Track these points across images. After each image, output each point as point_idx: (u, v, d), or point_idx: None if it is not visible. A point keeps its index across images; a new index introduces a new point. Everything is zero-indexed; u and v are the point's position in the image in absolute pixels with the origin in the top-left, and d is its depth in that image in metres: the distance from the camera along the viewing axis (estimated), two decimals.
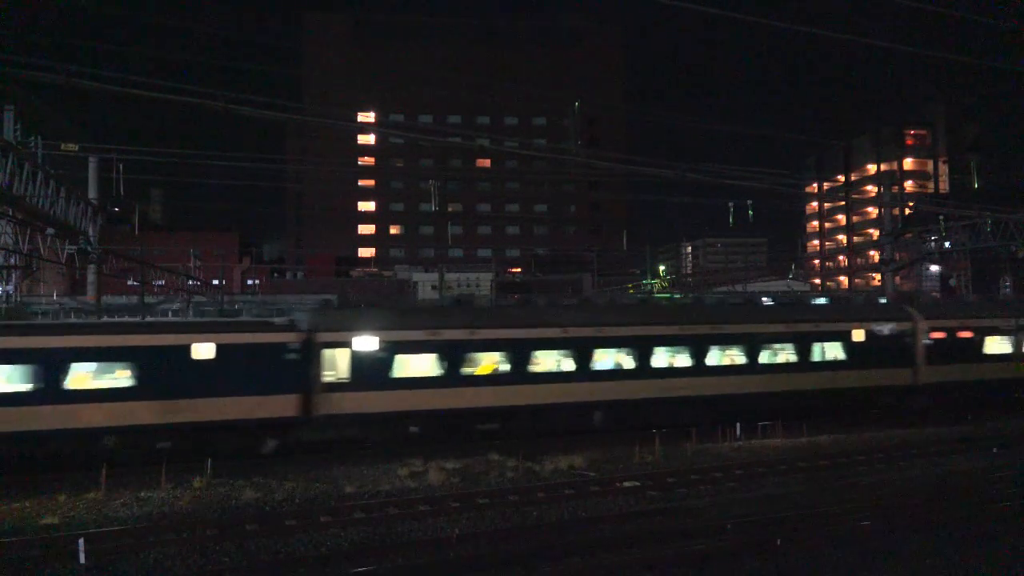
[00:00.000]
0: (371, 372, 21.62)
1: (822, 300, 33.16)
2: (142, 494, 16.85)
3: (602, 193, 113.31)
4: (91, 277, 29.68)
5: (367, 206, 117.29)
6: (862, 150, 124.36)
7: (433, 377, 22.35)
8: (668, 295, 76.31)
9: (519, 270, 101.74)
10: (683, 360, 25.05)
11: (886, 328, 27.78)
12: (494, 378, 23.03)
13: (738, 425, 23.77)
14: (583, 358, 23.90)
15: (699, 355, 25.15)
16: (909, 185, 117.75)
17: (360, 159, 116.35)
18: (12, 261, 27.60)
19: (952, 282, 66.07)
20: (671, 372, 24.84)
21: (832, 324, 27.27)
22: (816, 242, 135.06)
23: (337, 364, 21.44)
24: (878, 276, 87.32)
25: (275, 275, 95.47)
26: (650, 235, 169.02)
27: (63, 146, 29.41)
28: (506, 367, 23.13)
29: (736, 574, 12.11)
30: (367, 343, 21.73)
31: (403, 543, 13.61)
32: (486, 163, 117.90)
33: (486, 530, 14.36)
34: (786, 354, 26.48)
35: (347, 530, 14.35)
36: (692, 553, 12.77)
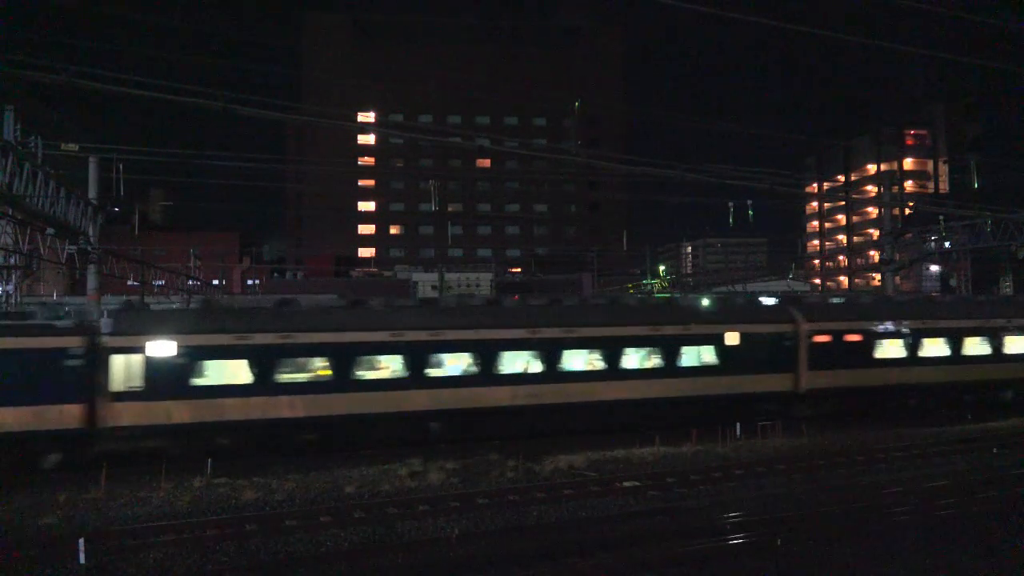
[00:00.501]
0: (168, 380, 19.95)
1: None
2: (142, 494, 16.85)
3: (602, 193, 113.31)
4: (91, 277, 29.67)
5: (367, 206, 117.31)
6: (862, 150, 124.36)
7: (242, 385, 20.62)
8: (668, 295, 76.32)
9: (519, 270, 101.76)
10: (534, 366, 23.15)
11: (764, 331, 26.02)
12: (313, 386, 21.29)
13: (738, 425, 23.76)
14: (417, 364, 22.03)
15: (551, 360, 23.23)
16: (909, 185, 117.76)
17: (360, 159, 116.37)
18: (12, 261, 27.59)
19: (952, 282, 66.06)
20: (519, 379, 22.98)
21: (703, 326, 25.45)
22: (816, 242, 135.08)
23: (128, 371, 19.73)
24: (878, 276, 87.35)
25: (275, 275, 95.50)
26: (650, 235, 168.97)
27: (63, 146, 29.39)
28: (328, 374, 21.30)
29: (736, 574, 12.11)
30: (163, 348, 19.98)
31: (403, 543, 13.61)
32: (486, 163, 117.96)
33: (486, 530, 14.36)
34: (651, 358, 24.69)
35: (347, 530, 14.34)
36: (692, 553, 12.77)
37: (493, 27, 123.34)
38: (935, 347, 28.37)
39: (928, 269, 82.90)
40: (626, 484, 17.51)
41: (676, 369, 24.87)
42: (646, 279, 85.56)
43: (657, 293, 77.05)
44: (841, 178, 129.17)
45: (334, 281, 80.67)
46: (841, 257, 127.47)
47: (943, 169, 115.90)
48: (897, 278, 40.28)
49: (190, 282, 51.80)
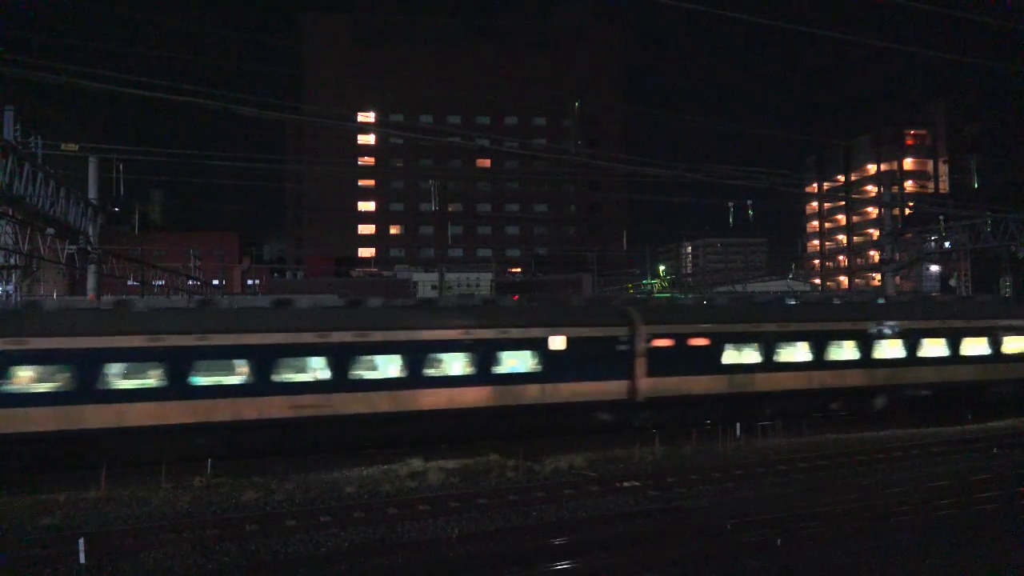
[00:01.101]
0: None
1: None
2: (142, 494, 16.84)
3: (602, 193, 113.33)
4: (91, 277, 29.68)
5: (367, 206, 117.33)
6: (862, 150, 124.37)
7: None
8: (668, 294, 76.37)
9: (519, 270, 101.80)
10: (322, 374, 21.32)
11: (595, 334, 24.06)
12: (52, 397, 19.31)
13: (738, 425, 23.76)
14: (181, 372, 20.03)
15: (341, 368, 21.32)
16: (909, 185, 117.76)
17: (360, 159, 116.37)
18: (12, 261, 27.59)
19: (952, 282, 66.05)
20: (306, 388, 21.08)
21: (524, 330, 23.30)
22: (816, 242, 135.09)
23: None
24: (878, 276, 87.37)
25: (275, 275, 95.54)
26: (650, 235, 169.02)
27: (63, 146, 29.43)
28: (71, 384, 19.32)
29: (736, 574, 12.11)
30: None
31: (403, 543, 13.61)
32: (486, 163, 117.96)
33: (486, 530, 14.36)
34: (459, 365, 22.56)
35: (347, 530, 14.34)
36: (692, 553, 12.77)
37: (493, 27, 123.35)
38: (795, 351, 26.49)
39: (928, 269, 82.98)
40: (626, 484, 17.51)
41: (490, 376, 22.75)
42: (646, 279, 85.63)
43: (657, 293, 77.14)
44: (841, 178, 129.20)
45: (334, 281, 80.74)
46: (841, 257, 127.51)
47: (943, 169, 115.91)
48: (897, 278, 40.30)
49: (190, 282, 51.82)
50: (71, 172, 29.90)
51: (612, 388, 24.13)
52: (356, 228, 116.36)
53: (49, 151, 26.32)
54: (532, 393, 23.21)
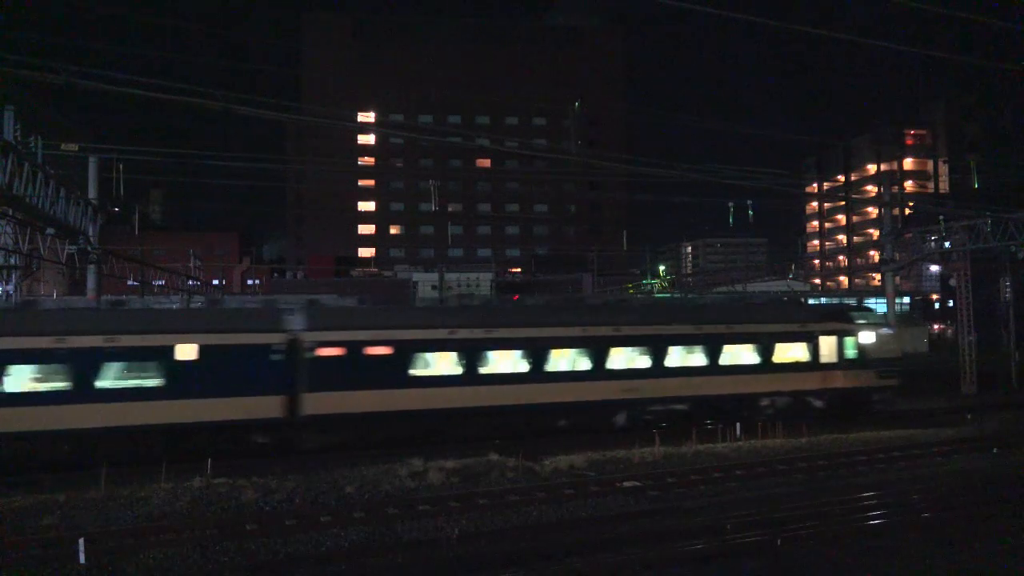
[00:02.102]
0: None
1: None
2: (142, 494, 16.83)
3: (602, 193, 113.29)
4: (91, 277, 29.66)
5: (367, 206, 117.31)
6: (862, 150, 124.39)
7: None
8: (668, 295, 76.32)
9: (519, 270, 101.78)
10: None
11: (239, 342, 20.97)
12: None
13: (738, 425, 23.77)
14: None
15: None
16: (909, 185, 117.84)
17: (360, 159, 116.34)
18: (12, 261, 27.59)
19: (952, 282, 66.05)
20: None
21: (140, 337, 20.48)
22: (816, 242, 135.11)
23: None
24: (878, 276, 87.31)
25: (275, 275, 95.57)
26: (650, 235, 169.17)
27: (63, 146, 29.42)
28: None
29: (736, 574, 12.11)
30: None
31: (403, 543, 13.61)
32: (486, 163, 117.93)
33: (486, 530, 14.36)
34: (54, 380, 19.92)
35: (347, 530, 14.34)
36: (692, 553, 12.77)
37: (493, 27, 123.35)
38: (506, 361, 23.75)
39: (928, 269, 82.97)
40: (626, 484, 17.51)
41: (99, 393, 19.93)
42: (646, 279, 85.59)
43: (657, 293, 77.12)
44: (841, 178, 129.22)
45: (334, 281, 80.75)
46: (841, 257, 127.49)
47: (943, 169, 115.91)
48: (897, 278, 40.29)
49: (190, 282, 51.81)
50: (71, 172, 29.87)
51: (265, 405, 20.89)
52: (356, 228, 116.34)
53: (49, 151, 26.30)
54: (151, 412, 20.02)
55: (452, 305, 26.72)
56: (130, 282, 39.41)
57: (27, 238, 27.85)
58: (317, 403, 21.39)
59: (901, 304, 76.79)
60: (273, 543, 13.59)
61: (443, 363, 23.19)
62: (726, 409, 25.63)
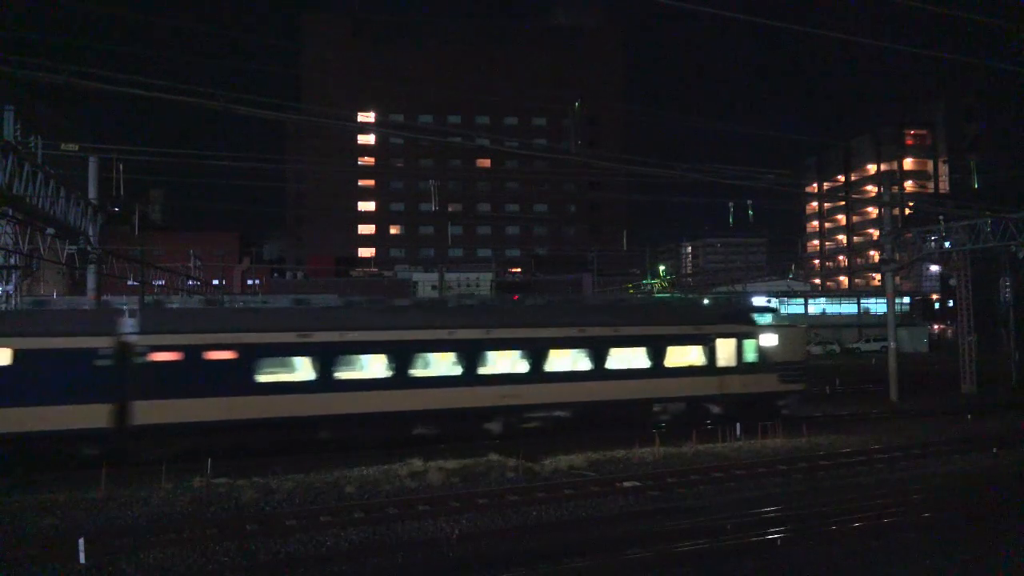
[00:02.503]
0: None
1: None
2: (142, 494, 16.84)
3: (602, 193, 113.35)
4: (91, 277, 29.67)
5: (367, 206, 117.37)
6: (862, 150, 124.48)
7: None
8: (668, 295, 76.36)
9: (519, 270, 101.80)
10: None
11: (59, 346, 19.54)
12: None
13: (738, 425, 23.77)
14: None
15: None
16: (909, 185, 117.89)
17: (360, 159, 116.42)
18: (12, 261, 27.59)
19: (952, 282, 66.11)
20: None
21: None
22: (816, 242, 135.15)
23: None
24: (878, 276, 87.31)
25: (275, 275, 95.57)
26: (650, 235, 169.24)
27: (63, 146, 29.44)
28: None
29: (736, 574, 12.11)
30: None
31: (403, 543, 13.61)
32: (486, 163, 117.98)
33: (486, 530, 14.36)
34: None
35: (347, 530, 14.34)
36: (692, 553, 12.77)
37: (494, 27, 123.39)
38: (365, 367, 22.55)
39: (928, 269, 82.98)
40: (626, 484, 17.51)
41: None
42: (646, 279, 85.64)
43: (657, 293, 77.21)
44: (841, 178, 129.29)
45: (334, 281, 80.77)
46: (841, 257, 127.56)
47: (943, 169, 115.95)
48: (897, 278, 40.30)
49: (190, 282, 51.86)
50: (71, 172, 29.89)
51: (89, 414, 19.37)
52: (356, 228, 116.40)
53: (49, 151, 26.31)
54: None
55: (307, 307, 24.54)
56: (130, 282, 39.39)
57: (27, 238, 27.85)
58: (150, 412, 19.95)
59: (901, 304, 76.85)
60: (273, 543, 13.59)
61: (295, 369, 21.84)
62: (615, 416, 24.48)
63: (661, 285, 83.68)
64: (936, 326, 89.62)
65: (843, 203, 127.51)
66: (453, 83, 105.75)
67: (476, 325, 23.63)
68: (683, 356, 25.72)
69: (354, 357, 22.43)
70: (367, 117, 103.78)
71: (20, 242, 27.49)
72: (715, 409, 25.82)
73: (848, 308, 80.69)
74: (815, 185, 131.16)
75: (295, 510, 15.57)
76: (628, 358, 25.11)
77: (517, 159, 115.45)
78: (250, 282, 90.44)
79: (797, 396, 27.31)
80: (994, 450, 21.62)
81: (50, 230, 25.83)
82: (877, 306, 77.49)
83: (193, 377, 20.63)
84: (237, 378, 21.00)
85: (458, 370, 23.16)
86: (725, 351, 25.98)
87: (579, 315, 25.99)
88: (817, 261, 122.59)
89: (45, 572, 12.29)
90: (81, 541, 12.72)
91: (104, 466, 17.71)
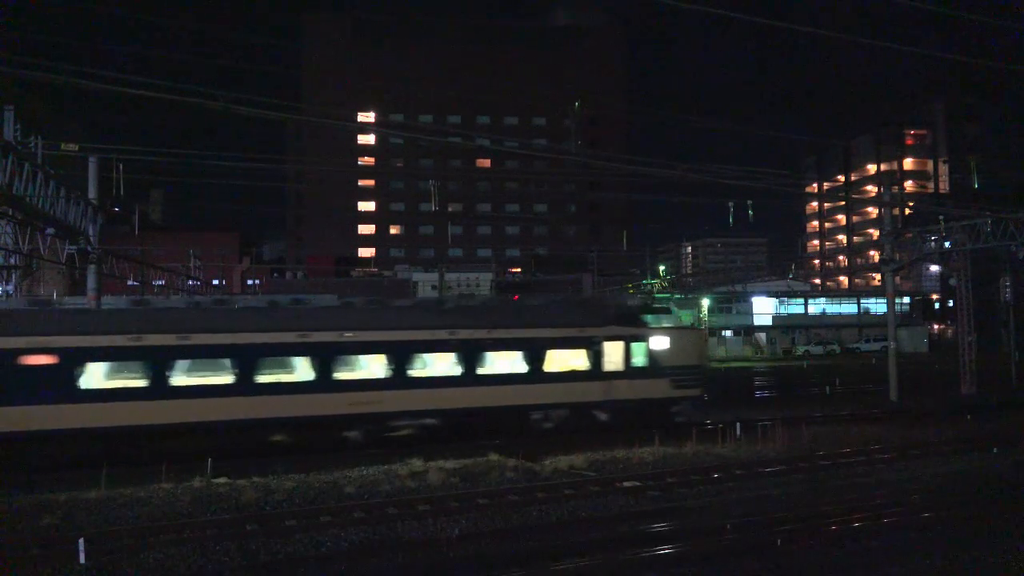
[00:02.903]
0: None
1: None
2: (142, 494, 16.84)
3: (602, 193, 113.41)
4: (91, 277, 29.69)
5: (367, 206, 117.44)
6: (862, 150, 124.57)
7: None
8: (668, 295, 76.28)
9: (519, 270, 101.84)
10: None
11: None
12: None
13: (738, 425, 23.77)
14: None
15: None
16: (909, 185, 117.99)
17: (360, 159, 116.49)
18: (12, 261, 27.60)
19: (952, 282, 66.15)
20: None
21: None
22: (816, 242, 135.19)
23: None
24: (878, 276, 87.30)
25: (275, 275, 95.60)
26: (650, 235, 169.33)
27: (63, 146, 29.43)
28: None
29: (736, 574, 12.11)
30: None
31: (403, 543, 13.61)
32: (486, 163, 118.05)
33: (486, 530, 14.36)
34: None
35: (347, 530, 14.34)
36: (692, 553, 12.77)
37: (494, 27, 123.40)
38: (204, 372, 21.03)
39: (928, 269, 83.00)
40: (626, 484, 17.51)
41: None
42: (646, 279, 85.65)
43: (657, 293, 77.25)
44: (841, 178, 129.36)
45: (334, 281, 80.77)
46: (841, 257, 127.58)
47: (943, 169, 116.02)
48: (897, 278, 40.31)
49: (190, 282, 51.84)
50: (71, 172, 29.88)
51: None
52: (356, 228, 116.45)
53: (49, 151, 26.31)
54: None
55: (139, 308, 22.67)
56: (130, 282, 39.41)
57: (27, 238, 27.85)
58: None
59: (901, 304, 76.86)
60: (273, 543, 13.59)
61: (125, 374, 20.45)
62: (490, 423, 23.27)
63: (661, 285, 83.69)
64: (936, 326, 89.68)
65: (843, 203, 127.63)
66: (453, 83, 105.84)
67: (331, 328, 22.08)
68: (566, 360, 24.31)
69: (193, 362, 20.93)
70: (367, 117, 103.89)
71: (20, 242, 27.50)
72: (602, 416, 24.39)
73: (848, 308, 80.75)
74: (815, 185, 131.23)
75: (295, 510, 15.57)
76: (504, 362, 23.70)
77: (517, 159, 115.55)
78: (250, 282, 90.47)
79: (692, 402, 25.93)
80: (994, 450, 21.62)
81: (50, 230, 25.84)
82: (877, 306, 77.52)
83: (4, 384, 19.16)
84: (59, 385, 19.49)
85: (311, 376, 21.73)
86: (612, 355, 24.50)
87: (449, 317, 24.07)
88: (817, 261, 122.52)
89: (45, 572, 12.28)
90: (81, 541, 12.72)
91: (104, 466, 17.72)
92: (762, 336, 76.60)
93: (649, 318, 26.01)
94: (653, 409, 24.83)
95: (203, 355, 21.02)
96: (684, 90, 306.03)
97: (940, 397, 35.05)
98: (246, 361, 21.20)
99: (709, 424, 25.33)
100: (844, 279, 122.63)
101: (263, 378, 21.37)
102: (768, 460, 20.13)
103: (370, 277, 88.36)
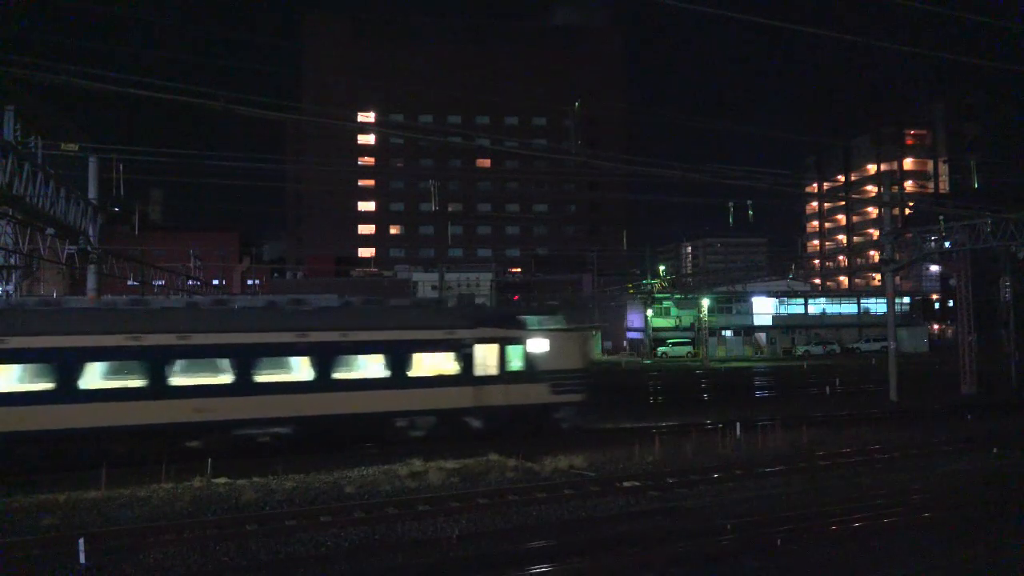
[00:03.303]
0: None
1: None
2: (142, 494, 16.85)
3: (602, 193, 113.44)
4: (91, 277, 29.69)
5: (367, 206, 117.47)
6: (862, 150, 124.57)
7: None
8: (668, 295, 76.34)
9: (519, 270, 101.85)
10: None
11: None
12: None
13: (738, 425, 23.77)
14: None
15: None
16: (909, 185, 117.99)
17: (360, 159, 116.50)
18: (12, 261, 27.60)
19: (952, 282, 66.15)
20: None
21: None
22: (816, 242, 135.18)
23: None
24: (878, 276, 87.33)
25: (275, 275, 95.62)
26: (650, 235, 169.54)
27: (63, 146, 29.40)
28: None
29: (736, 574, 12.11)
30: None
31: (403, 543, 13.61)
32: (486, 163, 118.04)
33: (486, 530, 14.36)
34: None
35: (347, 530, 14.34)
36: (692, 553, 12.77)
37: (494, 27, 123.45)
38: (26, 377, 19.81)
39: (928, 269, 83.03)
40: (626, 484, 17.51)
41: None
42: (646, 279, 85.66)
43: (657, 293, 77.30)
44: (841, 178, 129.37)
45: (334, 281, 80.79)
46: (841, 257, 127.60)
47: (943, 169, 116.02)
48: (897, 278, 40.29)
49: (190, 282, 51.87)
50: (71, 172, 29.87)
51: None
52: (356, 228, 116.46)
53: (49, 151, 26.31)
54: None
55: None
56: (130, 282, 39.42)
57: (27, 238, 27.86)
58: None
59: (901, 304, 76.87)
60: (273, 543, 13.59)
61: None
62: (348, 431, 22.16)
63: (661, 285, 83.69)
64: (936, 326, 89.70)
65: (843, 203, 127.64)
66: (453, 83, 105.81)
67: (167, 330, 20.78)
68: (433, 364, 23.07)
69: (25, 368, 19.74)
70: (367, 117, 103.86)
71: (20, 242, 27.51)
72: (475, 423, 23.23)
73: (848, 308, 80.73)
74: (815, 185, 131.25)
75: (295, 510, 15.57)
76: (363, 367, 22.59)
77: (517, 159, 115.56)
78: (250, 282, 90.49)
79: (574, 408, 24.46)
80: (994, 450, 21.62)
81: (50, 230, 25.86)
82: (877, 306, 77.52)
83: None
84: None
85: (144, 382, 20.43)
86: (484, 358, 23.33)
87: (300, 319, 22.45)
88: (817, 261, 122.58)
89: (45, 572, 12.29)
90: (81, 541, 12.72)
91: (104, 466, 17.72)
92: (762, 336, 76.61)
93: (528, 319, 24.64)
94: (531, 415, 23.70)
95: (30, 360, 19.65)
96: (684, 90, 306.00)
97: (940, 397, 35.04)
98: (70, 365, 19.81)
99: (709, 424, 25.31)
100: (844, 279, 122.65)
101: (85, 384, 19.98)
102: (768, 460, 20.12)
103: (370, 277, 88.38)
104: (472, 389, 23.07)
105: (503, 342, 23.61)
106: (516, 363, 23.67)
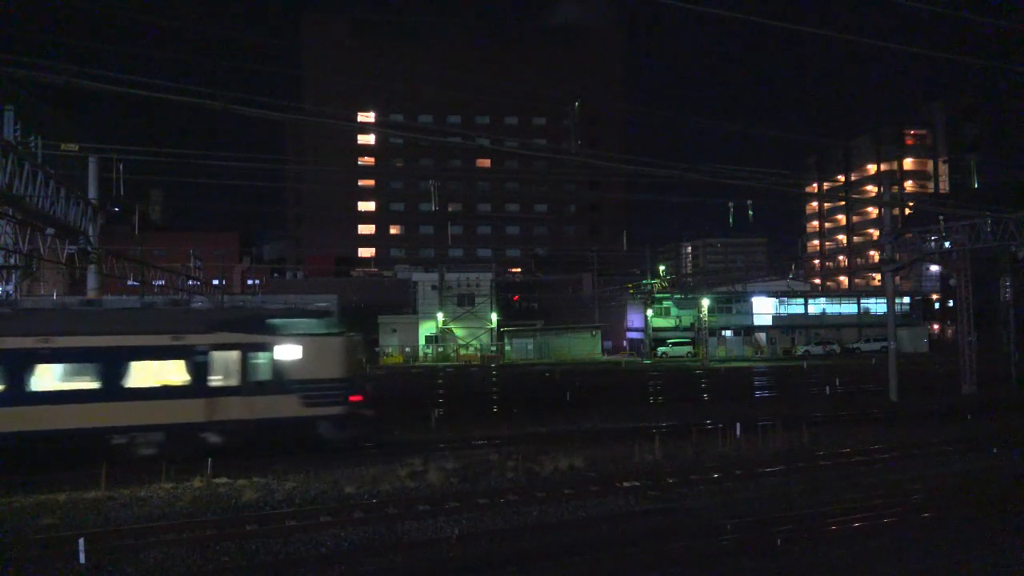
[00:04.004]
0: None
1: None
2: (142, 494, 16.86)
3: (602, 193, 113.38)
4: (91, 277, 29.69)
5: (367, 206, 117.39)
6: (862, 150, 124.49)
7: None
8: (667, 295, 76.32)
9: (519, 270, 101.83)
10: None
11: None
12: None
13: (738, 425, 23.77)
14: None
15: None
16: (909, 185, 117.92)
17: (360, 159, 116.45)
18: (12, 261, 27.60)
19: (952, 282, 66.15)
20: None
21: None
22: (816, 242, 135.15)
23: None
24: (878, 276, 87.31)
25: (275, 275, 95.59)
26: (650, 235, 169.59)
27: (63, 146, 29.44)
28: None
29: (736, 574, 12.11)
30: None
31: (403, 543, 13.62)
32: (486, 163, 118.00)
33: (486, 530, 14.36)
34: None
35: (347, 530, 14.35)
36: (692, 553, 12.77)
37: (493, 27, 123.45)
38: None
39: (928, 269, 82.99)
40: (626, 484, 17.51)
41: None
42: (646, 279, 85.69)
43: (657, 293, 77.31)
44: (841, 178, 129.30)
45: (334, 281, 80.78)
46: (841, 257, 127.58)
47: (943, 169, 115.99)
48: (897, 278, 40.29)
49: (190, 282, 51.82)
50: (71, 172, 29.89)
51: None
52: (356, 228, 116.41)
53: (49, 151, 26.33)
54: None
55: None
56: (130, 282, 39.38)
57: (27, 238, 27.85)
58: None
59: (901, 304, 76.84)
60: (273, 543, 13.59)
61: None
62: (50, 450, 19.63)
63: (661, 285, 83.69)
64: (936, 326, 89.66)
65: (843, 203, 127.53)
66: (453, 83, 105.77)
67: None
68: (159, 374, 20.85)
69: None
70: (367, 117, 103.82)
71: (20, 242, 27.50)
72: (213, 439, 20.75)
73: (848, 308, 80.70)
74: (815, 185, 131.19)
75: (295, 510, 15.58)
76: (69, 377, 20.36)
77: (517, 159, 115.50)
78: (250, 282, 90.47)
79: (333, 421, 21.58)
80: (994, 450, 21.62)
81: (50, 230, 25.86)
82: (877, 306, 77.50)
83: None
84: None
85: None
86: (221, 367, 21.03)
87: None
88: (817, 261, 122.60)
89: (45, 572, 12.29)
90: (81, 541, 12.73)
91: (104, 466, 17.73)
92: (762, 336, 76.61)
93: (279, 324, 22.13)
94: (283, 430, 21.33)
95: None
96: (684, 90, 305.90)
97: (940, 397, 35.04)
98: None
99: (709, 424, 25.29)
100: (844, 279, 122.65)
101: None
102: (768, 460, 20.12)
103: (370, 277, 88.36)
104: (206, 401, 20.75)
105: (246, 348, 21.17)
106: (262, 372, 21.23)
